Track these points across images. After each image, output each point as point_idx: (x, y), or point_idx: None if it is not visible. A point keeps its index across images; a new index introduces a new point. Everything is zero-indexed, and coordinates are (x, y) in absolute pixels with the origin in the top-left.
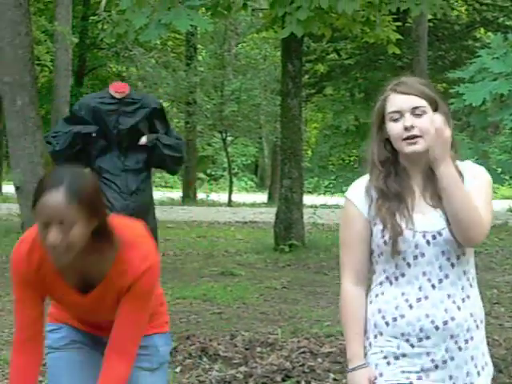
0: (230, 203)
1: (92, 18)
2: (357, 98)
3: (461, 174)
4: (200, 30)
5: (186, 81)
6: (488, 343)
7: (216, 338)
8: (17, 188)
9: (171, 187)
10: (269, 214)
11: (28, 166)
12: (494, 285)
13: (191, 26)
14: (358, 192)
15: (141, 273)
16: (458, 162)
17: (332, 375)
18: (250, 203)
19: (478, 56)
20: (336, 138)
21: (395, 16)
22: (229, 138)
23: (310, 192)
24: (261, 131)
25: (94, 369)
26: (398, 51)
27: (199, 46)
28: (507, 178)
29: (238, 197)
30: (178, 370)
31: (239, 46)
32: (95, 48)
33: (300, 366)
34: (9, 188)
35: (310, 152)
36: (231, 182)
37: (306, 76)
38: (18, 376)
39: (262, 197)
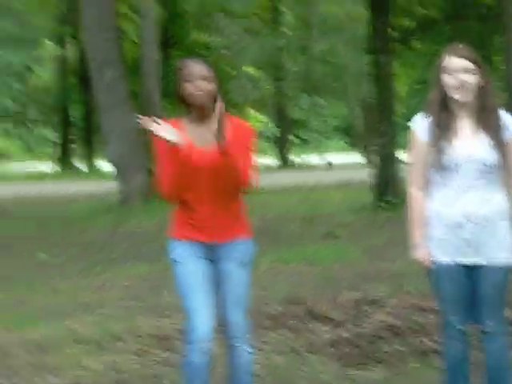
0: (329, 165)
1: None
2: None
3: (504, 125)
4: None
5: (273, 45)
6: None
7: (321, 300)
8: (111, 161)
9: (265, 153)
10: (365, 174)
11: (120, 137)
12: None
13: None
14: (419, 124)
15: (251, 128)
16: (502, 112)
17: None
18: (345, 164)
19: None
20: (426, 92)
21: None
22: (320, 101)
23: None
24: (349, 91)
25: (208, 275)
26: (489, 1)
27: (284, 9)
28: None
29: (332, 158)
30: (287, 333)
31: (322, 6)
32: (179, 18)
33: (408, 322)
34: (104, 165)
35: (400, 108)
36: (325, 145)
37: (393, 31)
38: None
39: (356, 157)
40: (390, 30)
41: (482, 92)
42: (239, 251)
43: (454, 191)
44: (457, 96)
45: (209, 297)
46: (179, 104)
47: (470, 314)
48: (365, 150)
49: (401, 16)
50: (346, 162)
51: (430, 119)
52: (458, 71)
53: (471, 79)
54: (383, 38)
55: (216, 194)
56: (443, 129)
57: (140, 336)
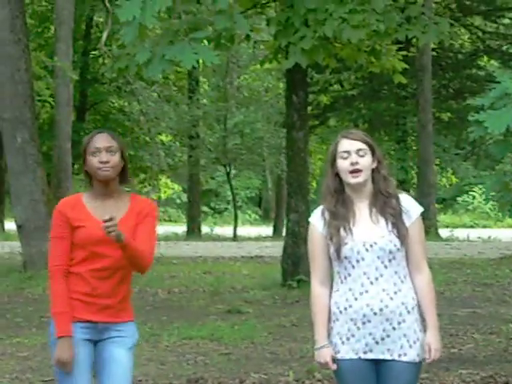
0: (235, 237)
1: (93, 52)
2: (361, 129)
3: (405, 210)
4: (202, 63)
5: (189, 114)
6: (508, 382)
7: (225, 382)
8: (18, 226)
9: (175, 221)
10: (274, 248)
11: (29, 203)
12: (509, 319)
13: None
14: (317, 216)
15: (154, 204)
16: (400, 196)
17: None
18: (254, 237)
19: (497, 82)
20: None
21: (400, 45)
22: (232, 171)
23: None
24: (264, 164)
25: (91, 360)
26: (404, 81)
27: (201, 78)
28: None
29: (242, 230)
30: None
31: (241, 78)
32: (96, 83)
33: None
34: (11, 225)
35: (314, 184)
36: (236, 217)
37: (310, 107)
38: (61, 296)
39: (267, 230)
40: (306, 105)
41: (377, 175)
42: (127, 334)
43: (358, 283)
44: (351, 180)
45: None
46: (85, 178)
47: None
48: (275, 225)
49: (318, 92)
50: (256, 234)
51: (326, 209)
52: (351, 153)
53: (364, 161)
54: (299, 114)
55: (115, 271)
56: (340, 218)
57: None
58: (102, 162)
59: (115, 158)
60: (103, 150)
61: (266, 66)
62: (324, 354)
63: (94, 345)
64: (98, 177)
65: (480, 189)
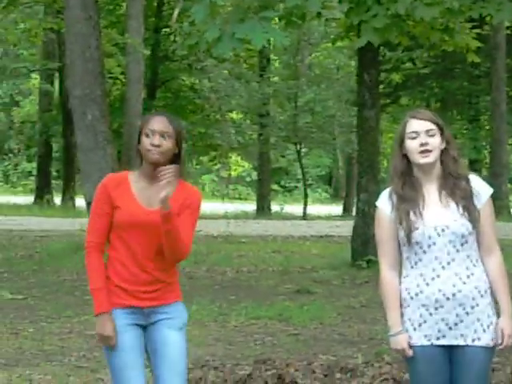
0: (305, 216)
1: (164, 30)
2: (433, 108)
3: (475, 192)
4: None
5: (260, 92)
6: None
7: (293, 364)
8: (87, 203)
9: (245, 199)
10: (344, 228)
11: (99, 180)
12: None
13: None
14: (384, 199)
15: (198, 193)
16: (470, 177)
17: None
18: (324, 215)
19: None
20: None
21: (473, 23)
22: (303, 150)
23: None
24: (335, 142)
25: (142, 346)
26: (477, 60)
27: (272, 56)
28: None
29: (312, 208)
30: None
31: (312, 55)
32: (167, 60)
33: None
34: (81, 202)
35: (385, 163)
36: (306, 195)
37: (381, 86)
38: (97, 272)
39: (337, 208)
40: (378, 84)
41: (446, 157)
42: (176, 315)
43: (430, 268)
44: (421, 160)
45: (143, 375)
46: (136, 157)
47: None
48: (346, 204)
49: (389, 70)
50: (326, 212)
51: (394, 191)
52: (420, 133)
53: (434, 141)
54: (371, 92)
55: (155, 255)
56: (408, 201)
57: None
58: (152, 145)
59: (167, 144)
60: (157, 134)
61: (338, 43)
62: (400, 341)
63: (143, 329)
64: (147, 159)
65: None
